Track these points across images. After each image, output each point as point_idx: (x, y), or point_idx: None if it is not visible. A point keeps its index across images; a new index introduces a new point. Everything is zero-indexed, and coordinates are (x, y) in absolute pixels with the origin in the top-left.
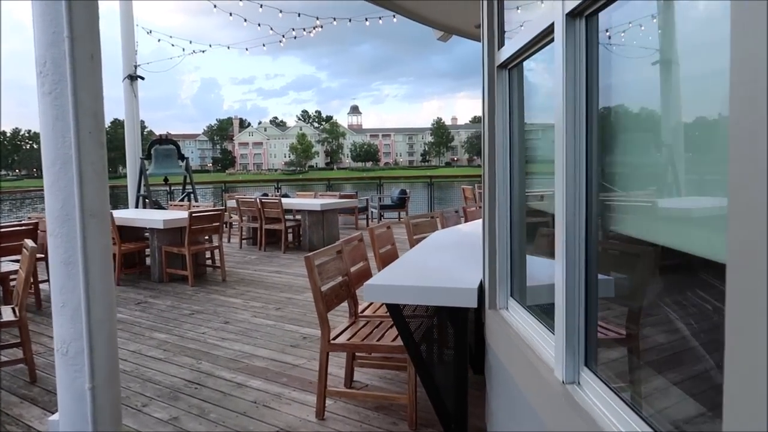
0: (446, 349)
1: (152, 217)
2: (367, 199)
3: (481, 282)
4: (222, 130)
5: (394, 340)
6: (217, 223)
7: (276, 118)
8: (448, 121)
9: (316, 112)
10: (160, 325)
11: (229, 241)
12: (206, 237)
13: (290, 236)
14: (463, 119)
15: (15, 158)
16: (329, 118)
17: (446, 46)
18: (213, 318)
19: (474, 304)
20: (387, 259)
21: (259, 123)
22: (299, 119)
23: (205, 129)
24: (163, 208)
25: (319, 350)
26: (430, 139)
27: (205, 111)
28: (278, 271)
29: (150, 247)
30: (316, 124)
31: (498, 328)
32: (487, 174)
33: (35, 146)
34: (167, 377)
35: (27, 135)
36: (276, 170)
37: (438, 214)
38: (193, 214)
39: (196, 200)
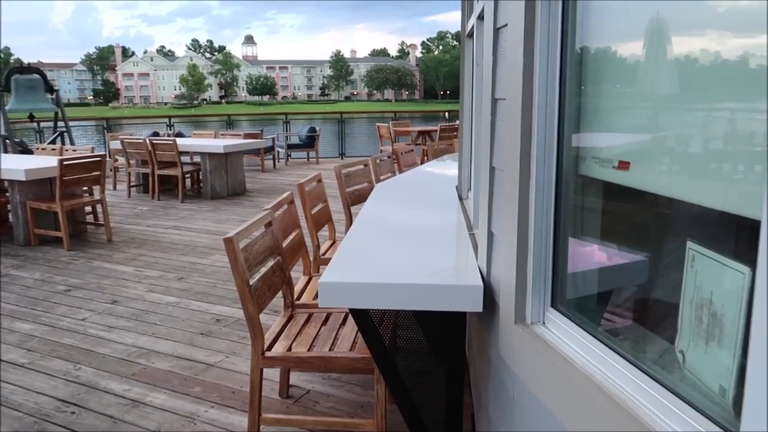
0: (431, 362)
1: (10, 166)
2: (273, 138)
3: (482, 276)
4: (103, 60)
5: (353, 346)
6: (98, 172)
7: (163, 47)
8: (347, 54)
9: (207, 41)
10: (23, 310)
11: (114, 189)
12: (84, 188)
13: (188, 182)
14: (362, 52)
15: None
16: (222, 49)
17: None
18: (96, 296)
19: (480, 307)
20: (320, 221)
21: (145, 52)
22: (189, 49)
23: (83, 58)
24: (30, 152)
25: (239, 340)
26: (329, 72)
27: (81, 38)
28: (176, 226)
29: (11, 203)
30: (208, 55)
31: (531, 352)
32: (520, 129)
33: None
34: (31, 397)
35: None
36: (166, 104)
37: (371, 161)
38: (65, 162)
39: (72, 142)
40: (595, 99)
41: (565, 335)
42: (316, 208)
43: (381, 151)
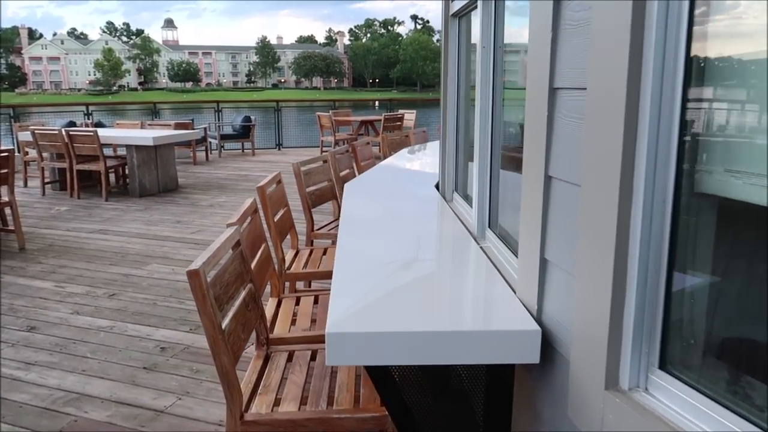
0: (468, 427)
1: None
2: (204, 128)
3: (538, 319)
4: (6, 42)
5: (357, 399)
6: (5, 170)
7: (75, 29)
8: (273, 41)
9: (123, 24)
10: None
11: (25, 186)
12: None
13: (112, 178)
14: (289, 39)
15: None
16: (140, 33)
17: None
18: (8, 321)
19: (536, 358)
20: (283, 230)
21: (54, 35)
22: (104, 32)
23: None
24: None
25: (192, 375)
26: (254, 58)
27: None
28: (103, 229)
29: None
30: (124, 39)
31: (631, 428)
32: (623, 130)
33: None
34: None
35: None
36: (80, 90)
37: (331, 157)
38: None
39: None
40: (739, 87)
41: (685, 408)
42: (278, 215)
43: (322, 141)
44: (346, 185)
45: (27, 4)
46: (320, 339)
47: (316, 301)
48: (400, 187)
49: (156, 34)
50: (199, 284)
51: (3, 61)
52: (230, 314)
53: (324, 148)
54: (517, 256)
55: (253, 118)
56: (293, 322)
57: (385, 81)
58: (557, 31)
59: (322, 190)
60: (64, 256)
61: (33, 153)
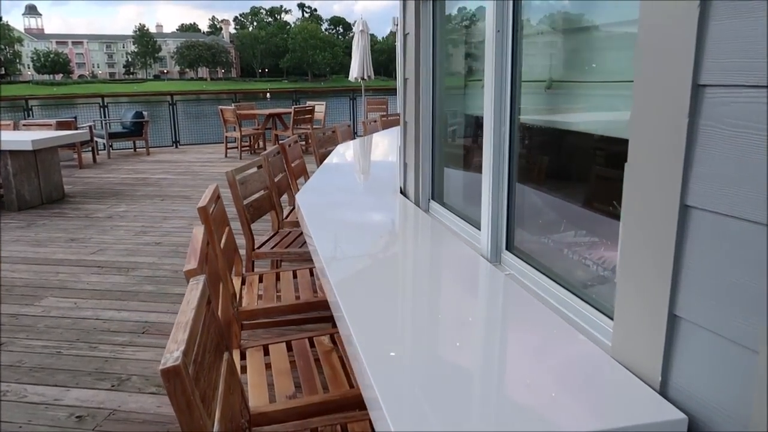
0: None
1: None
2: (90, 127)
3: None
4: None
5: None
6: None
7: None
8: (152, 29)
9: None
10: None
11: None
12: None
13: None
14: (170, 27)
15: None
16: None
17: None
18: None
19: None
20: (230, 257)
21: None
22: None
23: None
24: None
25: None
26: (133, 48)
27: None
28: None
29: None
30: None
31: None
32: None
33: None
34: None
35: None
36: None
37: (264, 161)
38: None
39: None
40: None
41: None
42: (223, 240)
43: (226, 138)
44: (298, 199)
45: None
46: (311, 411)
47: (289, 348)
48: (363, 197)
49: (16, 21)
50: (182, 387)
51: None
52: (217, 413)
53: (229, 145)
54: (565, 288)
55: (145, 113)
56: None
57: (275, 71)
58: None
59: (260, 202)
60: None
61: None
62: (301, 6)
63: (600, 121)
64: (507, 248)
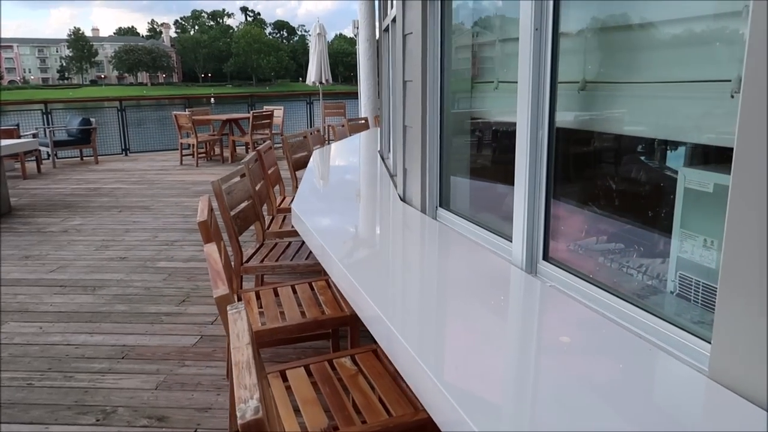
0: None
1: None
2: (33, 134)
3: None
4: None
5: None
6: None
7: None
8: (88, 33)
9: None
10: None
11: None
12: None
13: None
14: (106, 31)
15: None
16: None
17: None
18: None
19: None
20: (226, 271)
21: None
22: None
23: None
24: None
25: None
26: (67, 52)
27: None
28: None
29: None
30: None
31: None
32: None
33: None
34: None
35: None
36: None
37: (245, 168)
38: None
39: None
40: None
41: None
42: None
43: (182, 144)
44: (296, 208)
45: None
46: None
47: (308, 372)
48: (363, 204)
49: None
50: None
51: None
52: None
53: (183, 152)
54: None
55: (93, 120)
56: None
57: (219, 75)
58: None
59: (246, 211)
60: None
61: None
62: (244, 9)
63: (645, 123)
64: (544, 258)
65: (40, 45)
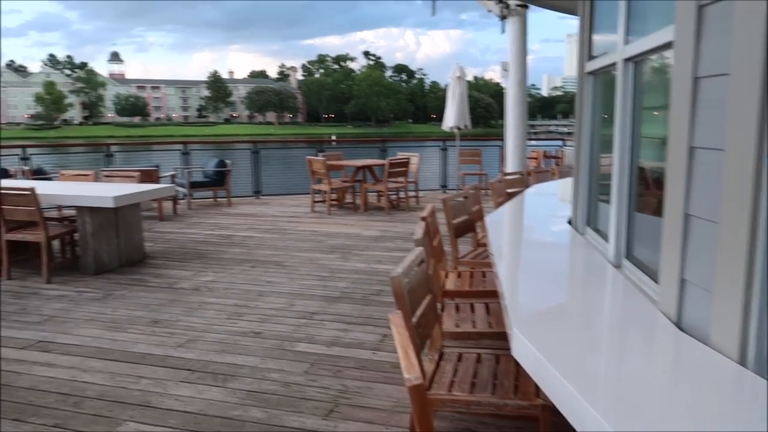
0: None
1: None
2: (172, 176)
3: None
4: None
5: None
6: None
7: (13, 61)
8: (224, 75)
9: (66, 57)
10: None
11: None
12: None
13: (56, 243)
14: (241, 73)
15: None
16: (84, 65)
17: None
18: None
19: None
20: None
21: None
22: (46, 65)
23: None
24: None
25: None
26: (206, 93)
27: None
28: (43, 341)
29: None
30: (67, 72)
31: None
32: None
33: None
34: None
35: None
36: (19, 124)
37: (468, 193)
38: None
39: None
40: None
41: None
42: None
43: (314, 190)
44: (488, 221)
45: None
46: None
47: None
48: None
49: (101, 67)
50: None
51: None
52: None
53: (316, 198)
54: None
55: (228, 161)
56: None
57: (340, 116)
58: None
59: (427, 314)
60: None
61: None
62: (367, 54)
63: None
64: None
65: (184, 86)
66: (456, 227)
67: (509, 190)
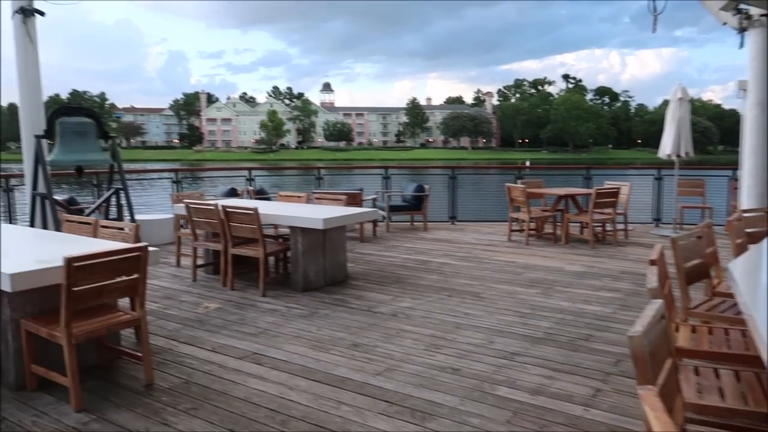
0: None
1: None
2: (373, 200)
3: None
4: (189, 105)
5: None
6: (135, 276)
7: (245, 94)
8: (422, 101)
9: (287, 88)
10: None
11: (178, 265)
12: (112, 296)
13: (270, 260)
14: (438, 100)
15: None
16: (300, 95)
17: (418, 26)
18: None
19: None
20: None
21: (228, 99)
22: (270, 96)
23: (171, 103)
24: (81, 212)
25: None
26: (404, 119)
27: (171, 85)
28: (256, 354)
29: (2, 318)
30: (287, 101)
31: None
32: None
33: None
34: None
35: None
36: (246, 148)
37: (703, 232)
38: (77, 264)
39: (129, 206)
40: None
41: None
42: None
43: (511, 218)
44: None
45: (209, 73)
46: None
47: None
48: None
49: (315, 96)
50: None
51: (185, 122)
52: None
53: (513, 227)
54: None
55: (426, 187)
56: None
57: (535, 141)
58: None
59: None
60: (200, 411)
61: (185, 231)
62: (566, 77)
63: None
64: None
65: (384, 113)
66: (687, 272)
67: (749, 230)
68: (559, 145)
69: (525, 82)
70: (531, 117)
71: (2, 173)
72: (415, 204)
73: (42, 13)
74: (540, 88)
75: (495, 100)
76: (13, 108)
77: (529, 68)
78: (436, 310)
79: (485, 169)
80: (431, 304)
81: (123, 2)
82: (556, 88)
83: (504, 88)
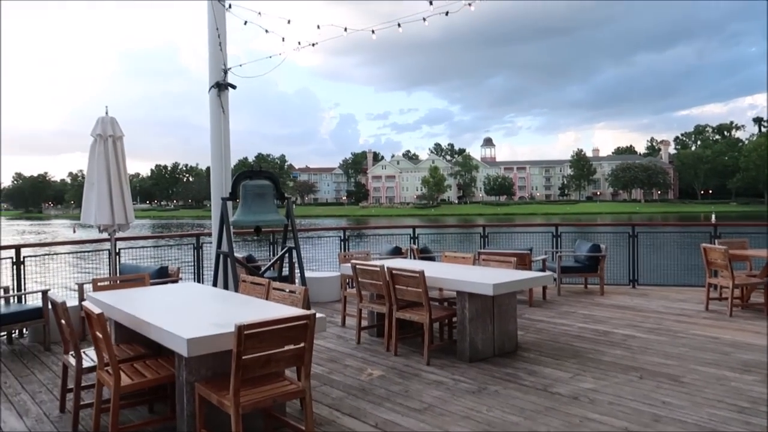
0: None
1: (169, 329)
2: (543, 260)
3: None
4: (356, 164)
5: None
6: (303, 344)
7: (408, 151)
8: (588, 153)
9: (448, 145)
10: None
11: (343, 325)
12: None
13: (435, 326)
14: (605, 151)
15: (174, 190)
16: (462, 151)
17: (583, 76)
18: None
19: None
20: None
21: (392, 156)
22: (432, 152)
23: (341, 163)
24: (257, 270)
25: None
26: (569, 171)
27: (341, 145)
28: (422, 431)
29: (177, 380)
30: (448, 157)
31: None
32: None
33: (191, 179)
34: None
35: (185, 168)
36: (408, 204)
37: None
38: (246, 331)
39: (300, 266)
40: None
41: None
42: None
43: (709, 283)
44: None
45: (375, 133)
46: None
47: None
48: None
49: (476, 152)
50: None
51: (353, 179)
52: None
53: (711, 294)
54: None
55: (603, 247)
56: None
57: (719, 191)
58: None
59: None
60: None
61: (350, 291)
62: (758, 120)
63: None
64: None
65: (547, 165)
66: None
67: None
68: (752, 195)
69: (708, 128)
70: (715, 165)
71: (196, 231)
72: (590, 265)
73: (233, 87)
74: (726, 133)
75: (672, 149)
76: (209, 171)
77: (711, 113)
78: (626, 395)
79: (665, 226)
80: (619, 387)
81: (304, 74)
82: (745, 133)
83: (682, 135)
